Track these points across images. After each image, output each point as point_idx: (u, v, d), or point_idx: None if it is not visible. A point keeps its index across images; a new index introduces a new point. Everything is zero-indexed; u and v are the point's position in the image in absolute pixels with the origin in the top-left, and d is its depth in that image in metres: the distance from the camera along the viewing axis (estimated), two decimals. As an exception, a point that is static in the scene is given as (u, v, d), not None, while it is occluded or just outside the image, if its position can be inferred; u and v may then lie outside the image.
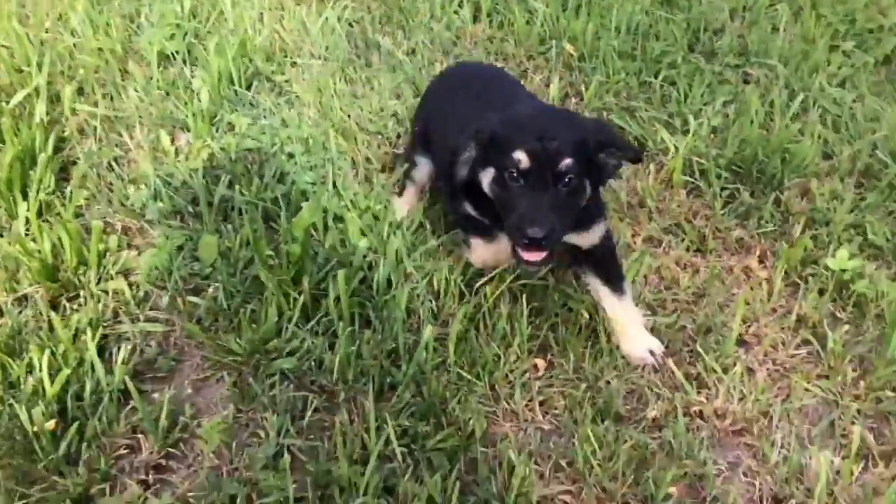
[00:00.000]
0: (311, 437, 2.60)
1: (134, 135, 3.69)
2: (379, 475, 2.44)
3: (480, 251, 2.94)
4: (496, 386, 2.81)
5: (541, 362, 2.94)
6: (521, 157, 2.43)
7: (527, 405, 2.78)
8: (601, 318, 2.93)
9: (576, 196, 2.53)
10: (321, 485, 2.45)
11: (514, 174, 2.45)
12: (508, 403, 2.77)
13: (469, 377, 2.79)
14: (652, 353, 2.87)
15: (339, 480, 2.42)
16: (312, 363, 2.77)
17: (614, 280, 2.90)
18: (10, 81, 3.87)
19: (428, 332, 2.74)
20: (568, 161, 2.43)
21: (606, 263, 2.91)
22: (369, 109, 3.89)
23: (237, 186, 3.28)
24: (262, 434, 2.61)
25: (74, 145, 3.65)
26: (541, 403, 2.80)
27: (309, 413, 2.64)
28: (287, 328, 2.85)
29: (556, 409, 2.78)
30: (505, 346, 2.90)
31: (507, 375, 2.84)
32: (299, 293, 2.91)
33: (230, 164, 3.43)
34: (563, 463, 2.62)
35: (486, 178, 2.60)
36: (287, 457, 2.51)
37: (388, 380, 2.74)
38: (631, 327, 2.89)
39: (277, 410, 2.64)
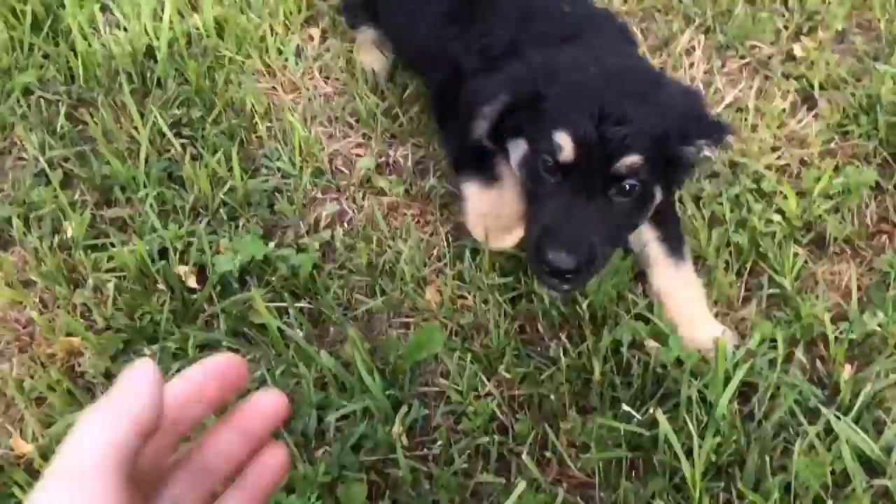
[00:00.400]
0: (77, 145, 2.41)
1: None
2: (158, 166, 2.32)
3: (476, 201, 1.98)
4: (269, 62, 2.66)
5: (315, 31, 2.80)
6: (563, 142, 1.56)
7: (305, 74, 2.66)
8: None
9: (638, 211, 1.68)
10: (99, 188, 2.32)
11: (550, 164, 1.60)
12: (285, 75, 2.64)
13: (237, 57, 2.62)
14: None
15: (117, 179, 2.29)
16: (57, 73, 2.51)
17: (672, 239, 2.00)
18: None
19: (168, 9, 2.51)
20: (635, 159, 1.55)
21: (664, 216, 1.96)
22: None
23: None
24: (24, 156, 2.40)
25: None
26: (320, 71, 2.69)
27: (64, 121, 2.43)
28: (22, 42, 2.53)
29: (336, 74, 2.69)
30: (272, 21, 2.71)
31: (279, 50, 2.69)
32: (26, 3, 2.57)
33: None
34: (352, 121, 2.58)
35: (516, 152, 1.78)
36: (58, 171, 2.34)
37: (149, 74, 2.54)
38: (695, 307, 2.00)
39: (33, 128, 2.41)
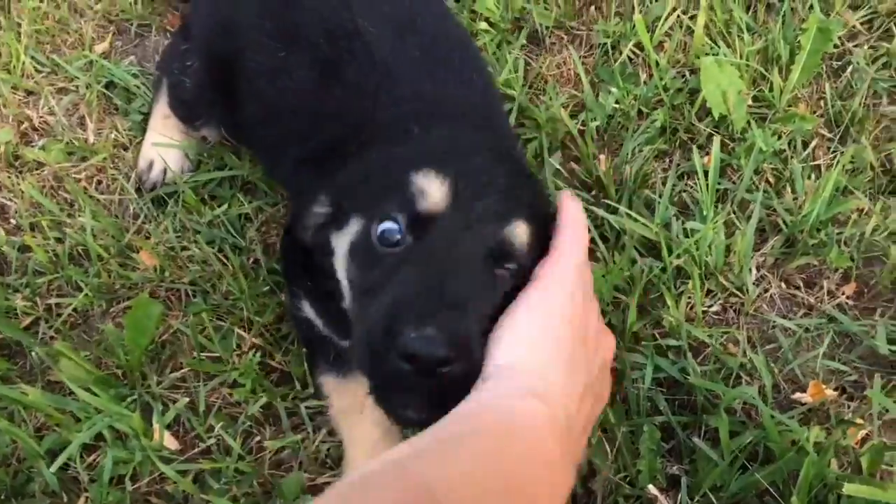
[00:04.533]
0: None
1: None
2: None
3: (336, 398, 1.41)
4: None
5: None
6: (427, 182, 1.02)
7: None
8: None
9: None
10: None
11: (396, 231, 1.02)
12: None
13: None
14: None
15: None
16: None
17: None
18: None
19: None
20: (524, 228, 1.03)
21: None
22: None
23: None
24: None
25: None
26: None
27: None
28: None
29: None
30: None
31: None
32: None
33: None
34: (-34, 91, 2.02)
35: (343, 243, 1.14)
36: None
37: None
38: None
39: None
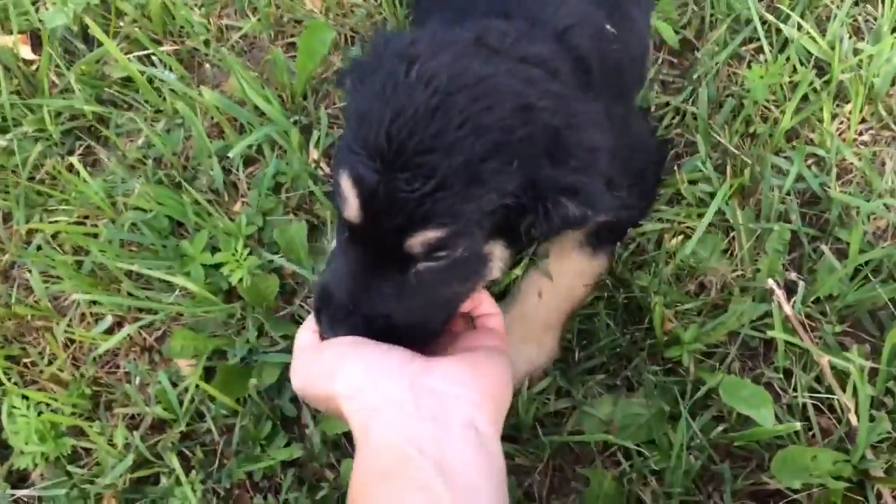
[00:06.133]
0: None
1: None
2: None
3: None
4: None
5: None
6: (347, 191, 0.99)
7: None
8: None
9: (465, 275, 1.09)
10: None
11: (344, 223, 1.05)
12: None
13: None
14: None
15: None
16: None
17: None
18: None
19: None
20: (433, 234, 0.98)
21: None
22: None
23: None
24: None
25: None
26: None
27: None
28: None
29: None
30: None
31: None
32: None
33: None
34: None
35: None
36: None
37: None
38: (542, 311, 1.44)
39: None
